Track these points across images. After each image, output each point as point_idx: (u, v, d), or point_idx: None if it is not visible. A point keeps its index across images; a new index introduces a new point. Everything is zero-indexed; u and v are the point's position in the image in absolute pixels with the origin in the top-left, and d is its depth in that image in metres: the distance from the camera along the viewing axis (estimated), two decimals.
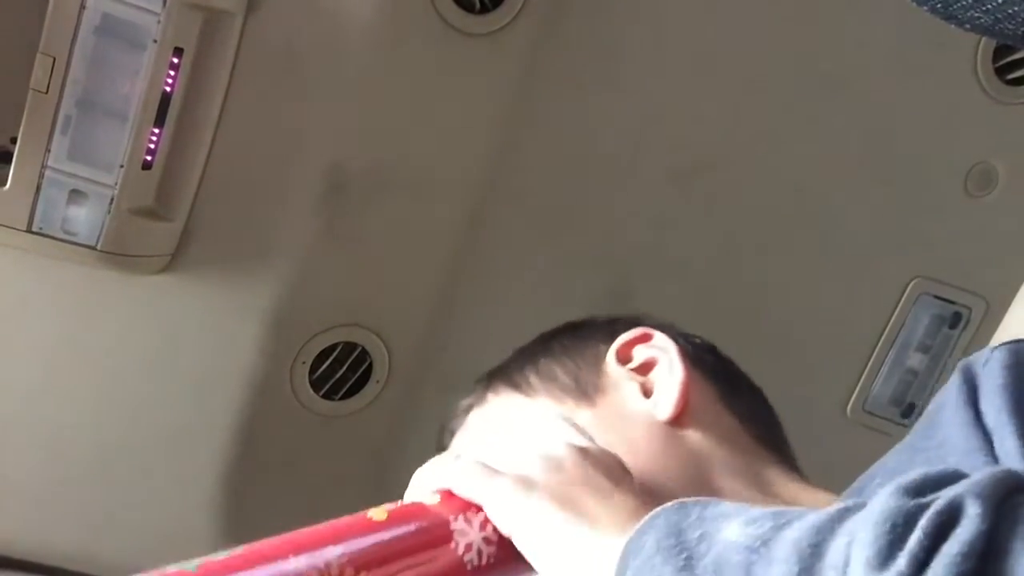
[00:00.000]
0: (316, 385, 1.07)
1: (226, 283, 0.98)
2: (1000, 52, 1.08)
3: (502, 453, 0.48)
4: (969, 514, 0.31)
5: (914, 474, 0.34)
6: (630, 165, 1.06)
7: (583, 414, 0.56)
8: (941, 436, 0.45)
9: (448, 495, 0.47)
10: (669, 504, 0.40)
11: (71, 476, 1.02)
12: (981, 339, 1.18)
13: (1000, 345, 0.45)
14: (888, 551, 0.31)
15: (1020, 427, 0.40)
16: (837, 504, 0.36)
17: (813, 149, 1.10)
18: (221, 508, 1.07)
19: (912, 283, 1.17)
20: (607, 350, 0.60)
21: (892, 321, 1.18)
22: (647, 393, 0.56)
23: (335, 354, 1.06)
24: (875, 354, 1.19)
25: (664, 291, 1.12)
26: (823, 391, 1.20)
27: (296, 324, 1.02)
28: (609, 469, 0.46)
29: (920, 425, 0.49)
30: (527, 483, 0.45)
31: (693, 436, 0.55)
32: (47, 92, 0.82)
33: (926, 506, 0.32)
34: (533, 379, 0.60)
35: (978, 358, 0.45)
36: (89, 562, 1.06)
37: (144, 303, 0.97)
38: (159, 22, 0.83)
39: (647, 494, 0.46)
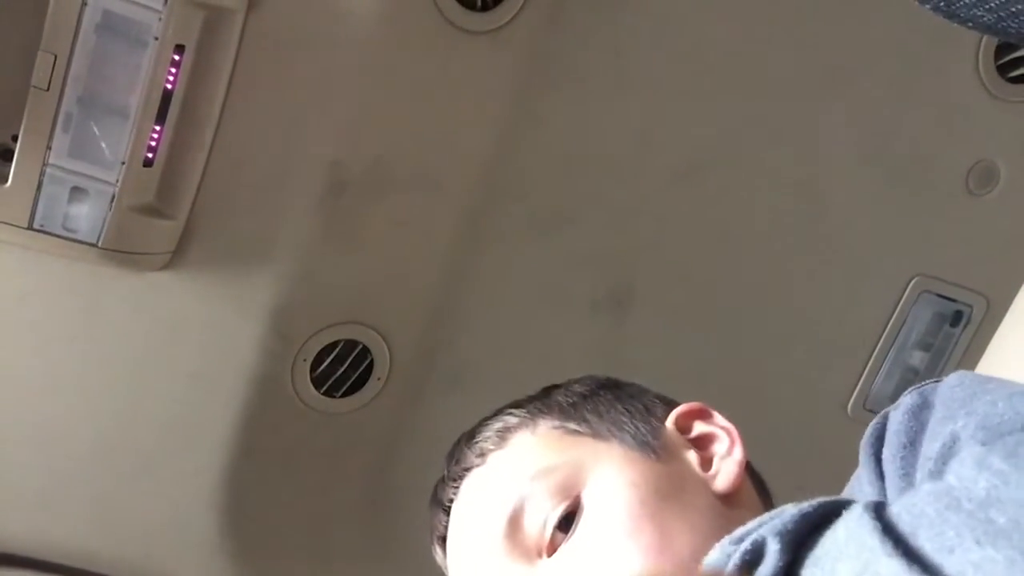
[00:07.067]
0: (317, 382, 1.07)
1: (227, 280, 0.98)
2: (1002, 50, 1.08)
3: None
4: (770, 551, 0.37)
5: (739, 529, 0.41)
6: (631, 164, 1.06)
7: (653, 467, 0.59)
8: (862, 479, 0.50)
9: None
10: None
11: (72, 473, 1.02)
12: (982, 337, 1.18)
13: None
14: None
15: (903, 468, 0.45)
16: None
17: (813, 148, 1.10)
18: (222, 505, 1.07)
19: (913, 281, 1.17)
20: (660, 412, 0.64)
21: (893, 319, 1.18)
22: (704, 465, 0.61)
23: (336, 352, 1.07)
24: (876, 352, 1.19)
25: (664, 291, 1.12)
26: (824, 389, 1.20)
27: (297, 321, 1.02)
28: None
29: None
30: None
31: (737, 505, 0.60)
32: (48, 89, 0.82)
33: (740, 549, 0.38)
34: (595, 421, 0.62)
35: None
36: (89, 559, 1.06)
37: (145, 300, 0.97)
38: (160, 19, 0.83)
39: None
